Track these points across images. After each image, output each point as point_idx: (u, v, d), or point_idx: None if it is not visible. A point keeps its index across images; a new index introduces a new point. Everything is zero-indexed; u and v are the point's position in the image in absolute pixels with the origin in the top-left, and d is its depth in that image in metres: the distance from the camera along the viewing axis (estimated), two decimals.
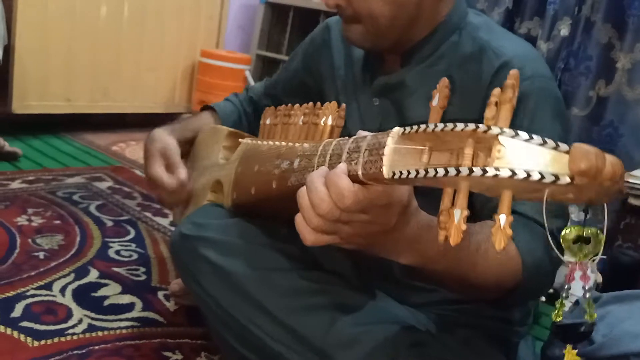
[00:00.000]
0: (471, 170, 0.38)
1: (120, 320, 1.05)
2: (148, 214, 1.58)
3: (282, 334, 0.73)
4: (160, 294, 1.17)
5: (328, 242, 0.55)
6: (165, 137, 0.96)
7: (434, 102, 0.48)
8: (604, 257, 1.40)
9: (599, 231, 0.46)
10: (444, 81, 0.49)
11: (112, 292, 1.14)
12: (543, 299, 1.32)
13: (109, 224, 1.47)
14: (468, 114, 0.77)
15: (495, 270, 0.64)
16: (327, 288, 0.76)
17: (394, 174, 0.45)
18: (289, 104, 0.81)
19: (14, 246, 1.25)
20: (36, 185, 1.66)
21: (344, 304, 0.75)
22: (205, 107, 1.10)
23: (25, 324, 0.98)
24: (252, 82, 2.80)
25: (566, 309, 0.52)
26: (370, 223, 0.53)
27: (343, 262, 0.85)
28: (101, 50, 2.30)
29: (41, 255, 1.23)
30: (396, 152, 0.46)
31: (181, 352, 0.98)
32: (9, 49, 1.95)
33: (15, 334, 0.95)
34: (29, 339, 0.94)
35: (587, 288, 0.61)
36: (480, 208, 0.72)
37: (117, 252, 1.32)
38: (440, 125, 0.42)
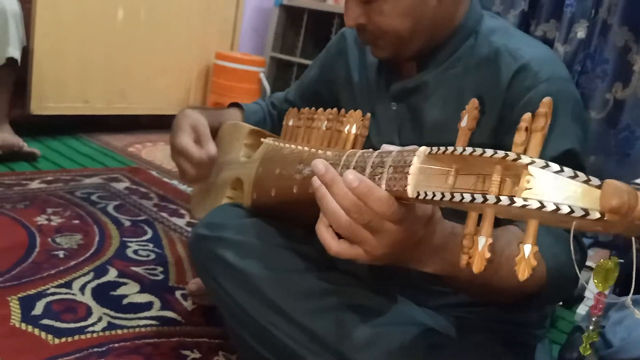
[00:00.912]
0: (498, 199, 0.37)
1: (139, 318, 1.06)
2: (164, 215, 1.60)
3: (299, 334, 0.74)
4: (177, 294, 1.18)
5: (353, 255, 0.54)
6: (197, 115, 0.96)
7: (462, 123, 0.48)
8: (622, 260, 1.39)
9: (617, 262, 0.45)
10: (474, 102, 0.49)
11: (130, 291, 1.15)
12: (560, 302, 1.31)
13: (127, 224, 1.49)
14: (486, 119, 0.78)
15: (516, 277, 0.64)
16: (344, 289, 0.76)
17: (418, 194, 0.45)
18: (313, 108, 0.82)
19: (34, 245, 1.27)
20: (55, 185, 1.68)
21: (360, 305, 0.75)
22: (232, 105, 1.11)
23: (45, 321, 0.99)
24: (266, 85, 2.82)
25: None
26: (397, 235, 0.52)
27: (359, 265, 0.86)
28: (117, 52, 2.33)
29: (61, 254, 1.25)
30: (421, 172, 0.46)
31: (199, 350, 0.99)
32: (27, 51, 1.98)
33: (36, 331, 0.96)
34: (49, 337, 0.96)
35: (594, 320, 0.61)
36: None
37: (135, 252, 1.33)
38: (469, 150, 0.41)
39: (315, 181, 0.55)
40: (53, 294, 1.09)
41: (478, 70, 0.80)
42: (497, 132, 0.77)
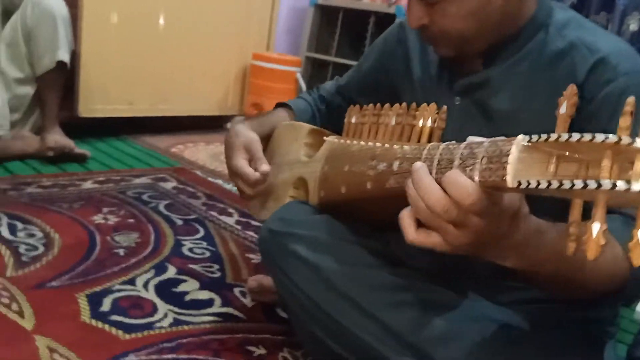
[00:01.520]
0: (614, 185, 0.37)
1: (202, 315, 1.08)
2: (214, 213, 1.62)
3: (374, 327, 0.74)
4: (236, 291, 1.19)
5: (430, 244, 0.55)
6: (248, 132, 0.98)
7: (562, 109, 0.48)
8: None
9: None
10: (572, 88, 0.48)
11: (191, 288, 1.17)
12: None
13: (179, 222, 1.51)
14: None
15: (604, 271, 0.63)
16: (417, 284, 0.76)
17: (519, 183, 0.44)
18: (377, 104, 0.82)
19: (95, 243, 1.30)
20: (107, 185, 1.72)
21: (435, 300, 0.75)
22: (279, 105, 1.12)
23: (114, 317, 1.02)
24: (303, 85, 2.83)
25: None
26: (481, 228, 0.52)
27: (426, 260, 0.86)
28: (160, 56, 2.37)
29: (121, 252, 1.28)
30: (520, 161, 0.46)
31: (264, 347, 1.01)
32: (74, 55, 2.03)
33: (107, 327, 0.99)
34: (119, 332, 0.98)
35: None
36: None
37: (190, 250, 1.36)
38: (577, 136, 0.41)
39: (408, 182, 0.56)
40: (119, 290, 1.11)
41: (551, 64, 0.79)
42: (572, 126, 0.76)
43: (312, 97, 1.14)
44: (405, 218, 0.56)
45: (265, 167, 0.94)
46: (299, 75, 2.81)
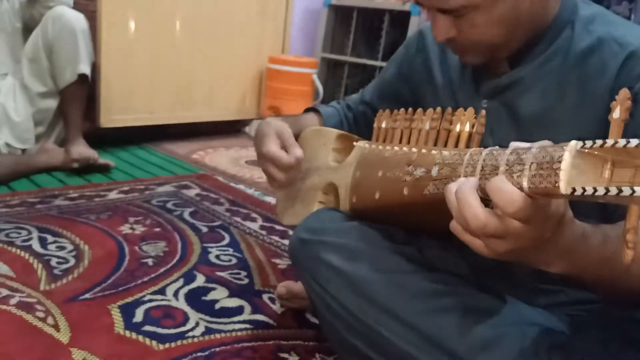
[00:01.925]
0: None
1: (234, 322, 1.08)
2: (238, 219, 1.63)
3: (412, 335, 0.73)
4: (265, 297, 1.20)
5: (471, 246, 0.55)
6: (280, 122, 0.98)
7: (615, 114, 0.47)
8: None
9: None
10: (625, 92, 0.47)
11: (220, 296, 1.18)
12: None
13: (204, 230, 1.52)
14: (591, 109, 0.76)
15: None
16: (456, 290, 0.75)
17: (574, 190, 0.44)
18: (409, 109, 0.81)
19: (124, 254, 1.32)
20: (132, 195, 1.74)
21: (474, 305, 0.74)
22: (308, 110, 1.12)
23: (147, 328, 1.03)
24: (319, 86, 2.83)
25: None
26: (525, 235, 0.52)
27: (461, 264, 0.85)
28: (178, 63, 2.39)
29: (150, 261, 1.29)
30: (574, 167, 0.45)
31: (296, 353, 1.01)
32: (94, 67, 2.05)
33: (141, 338, 1.00)
34: (153, 343, 0.99)
35: None
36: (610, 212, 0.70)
37: (217, 257, 1.36)
38: (635, 141, 0.40)
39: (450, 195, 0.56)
40: (150, 300, 1.12)
41: (580, 61, 0.78)
42: (606, 123, 0.75)
43: (340, 106, 1.15)
44: (456, 224, 0.56)
45: (298, 151, 0.93)
46: (315, 77, 2.81)
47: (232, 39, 2.59)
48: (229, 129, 2.79)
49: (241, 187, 1.96)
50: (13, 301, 1.06)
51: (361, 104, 1.13)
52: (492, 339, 0.69)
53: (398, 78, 1.05)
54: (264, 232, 1.55)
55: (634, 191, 0.38)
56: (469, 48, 0.79)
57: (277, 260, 1.38)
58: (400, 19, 2.85)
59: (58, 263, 1.24)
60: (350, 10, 3.07)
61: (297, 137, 1.05)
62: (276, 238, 1.52)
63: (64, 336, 0.98)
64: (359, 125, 1.10)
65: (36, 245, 1.31)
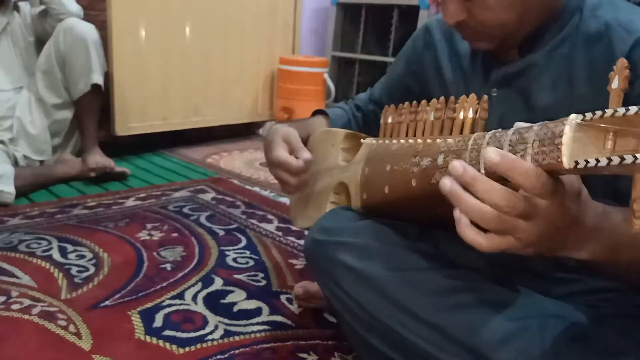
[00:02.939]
0: None
1: (252, 324, 1.09)
2: (254, 221, 1.64)
3: (431, 333, 0.72)
4: (283, 298, 1.20)
5: (506, 246, 0.52)
6: (287, 127, 0.98)
7: (614, 84, 0.46)
8: None
9: None
10: (622, 62, 0.47)
11: (238, 299, 1.18)
12: None
13: (221, 233, 1.53)
14: (600, 94, 0.74)
15: None
16: (472, 285, 0.74)
17: (577, 163, 0.43)
18: (414, 102, 0.81)
19: (142, 260, 1.33)
20: (148, 201, 1.76)
21: (492, 299, 0.73)
22: (316, 112, 1.12)
23: (167, 332, 1.04)
24: (331, 85, 2.83)
25: None
26: (552, 213, 0.50)
27: (476, 257, 0.84)
28: (189, 68, 2.41)
29: (168, 267, 1.30)
30: (575, 141, 0.44)
31: (315, 353, 1.01)
32: (107, 77, 2.08)
33: (161, 343, 1.01)
34: (174, 347, 1.00)
35: None
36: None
37: (235, 260, 1.37)
38: (634, 109, 0.40)
39: (445, 185, 0.53)
40: (169, 305, 1.13)
41: (588, 47, 0.77)
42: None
43: (349, 106, 1.15)
44: (468, 231, 0.53)
45: (306, 154, 0.93)
46: (326, 76, 2.81)
47: (242, 42, 2.60)
48: (242, 132, 2.80)
49: (256, 189, 1.97)
50: (35, 311, 1.08)
51: (370, 103, 1.13)
52: (511, 333, 0.68)
53: (406, 74, 1.04)
54: (280, 234, 1.56)
55: (636, 158, 0.38)
56: (480, 32, 0.78)
57: (294, 261, 1.39)
58: (409, 13, 2.83)
59: (78, 272, 1.26)
60: (358, 7, 3.06)
61: (305, 141, 1.06)
62: (292, 239, 1.52)
63: (85, 344, 0.99)
64: (369, 124, 1.10)
65: (56, 255, 1.33)
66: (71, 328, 1.04)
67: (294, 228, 1.58)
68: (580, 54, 0.77)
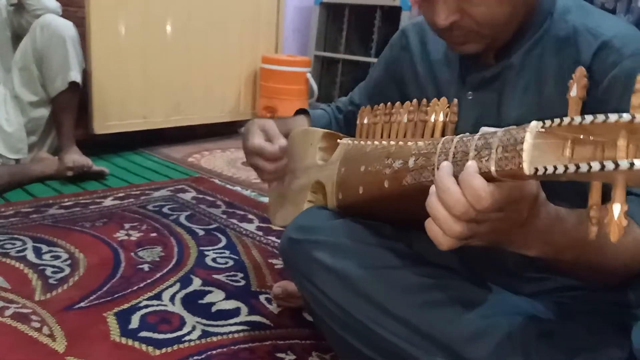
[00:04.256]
0: (632, 164, 0.37)
1: (230, 325, 1.08)
2: (234, 221, 1.63)
3: (404, 330, 0.73)
4: (262, 298, 1.19)
5: (461, 245, 0.55)
6: (265, 120, 1.00)
7: (572, 92, 0.47)
8: None
9: None
10: (581, 70, 0.48)
11: (217, 299, 1.17)
12: None
13: (201, 233, 1.52)
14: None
15: (625, 253, 0.63)
16: (445, 283, 0.75)
17: (536, 170, 0.44)
18: (388, 103, 0.81)
19: (119, 260, 1.32)
20: (127, 201, 1.73)
21: (463, 297, 0.74)
22: (298, 112, 1.12)
23: (144, 334, 1.03)
24: (314, 84, 2.83)
25: None
26: (503, 220, 0.53)
27: (449, 256, 0.85)
28: (170, 66, 2.39)
29: (146, 267, 1.29)
30: (535, 148, 0.45)
31: (293, 352, 1.00)
32: (86, 74, 2.05)
33: (137, 344, 1.00)
34: (150, 349, 0.99)
35: None
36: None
37: (214, 260, 1.36)
38: (589, 118, 0.40)
39: (432, 188, 0.56)
40: (146, 306, 1.12)
41: (556, 52, 0.77)
42: (584, 112, 0.74)
43: (331, 108, 1.16)
44: (434, 229, 0.55)
45: (283, 141, 0.94)
46: (309, 75, 2.80)
47: (225, 40, 2.58)
48: (224, 131, 2.78)
49: (237, 188, 1.95)
50: (8, 312, 1.06)
51: (350, 105, 1.13)
52: (482, 330, 0.70)
53: (385, 78, 1.05)
54: (260, 233, 1.55)
55: (590, 167, 0.39)
56: (472, 32, 0.76)
57: (274, 261, 1.38)
58: (392, 14, 2.84)
59: (53, 272, 1.24)
60: (341, 8, 3.06)
61: (285, 137, 1.05)
62: (273, 239, 1.51)
63: (59, 345, 0.97)
64: (349, 126, 1.10)
65: (31, 256, 1.31)
66: (45, 330, 1.02)
67: (274, 228, 1.57)
68: (550, 58, 0.78)
